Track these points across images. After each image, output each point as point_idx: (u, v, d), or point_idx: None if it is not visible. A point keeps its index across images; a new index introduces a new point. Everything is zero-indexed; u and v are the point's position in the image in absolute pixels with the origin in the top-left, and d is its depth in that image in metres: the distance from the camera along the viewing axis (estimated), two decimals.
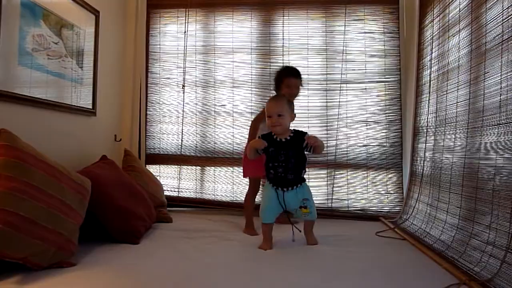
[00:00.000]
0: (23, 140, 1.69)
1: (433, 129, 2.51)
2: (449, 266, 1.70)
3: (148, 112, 3.36)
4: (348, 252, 2.00)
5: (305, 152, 2.11)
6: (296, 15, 3.23)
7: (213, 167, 3.30)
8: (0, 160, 1.55)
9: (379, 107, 3.10)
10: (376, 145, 3.09)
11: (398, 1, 3.13)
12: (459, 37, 2.18)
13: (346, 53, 3.13)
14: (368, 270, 1.69)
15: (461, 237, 1.90)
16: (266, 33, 3.26)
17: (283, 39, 3.23)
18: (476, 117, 1.93)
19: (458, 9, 2.20)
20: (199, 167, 3.33)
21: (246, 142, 2.63)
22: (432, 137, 2.51)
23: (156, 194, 2.69)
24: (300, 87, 2.58)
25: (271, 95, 3.22)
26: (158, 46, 3.38)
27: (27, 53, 2.08)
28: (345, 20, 3.16)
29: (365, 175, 3.08)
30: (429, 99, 2.62)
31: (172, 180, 3.33)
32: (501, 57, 1.70)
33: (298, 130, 2.14)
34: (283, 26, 3.24)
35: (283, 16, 3.24)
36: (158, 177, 3.08)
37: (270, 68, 3.24)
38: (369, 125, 3.09)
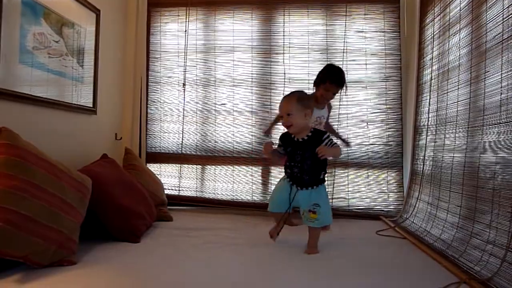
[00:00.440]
0: (24, 138, 1.69)
1: (434, 128, 2.51)
2: (449, 265, 1.70)
3: (148, 111, 3.36)
4: (349, 251, 2.00)
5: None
6: (297, 14, 3.23)
7: (213, 166, 3.30)
8: (1, 158, 1.55)
9: (380, 106, 3.10)
10: (377, 144, 3.09)
11: (399, 0, 3.12)
12: (459, 36, 2.18)
13: (346, 52, 3.12)
14: (368, 269, 1.69)
15: (461, 236, 1.90)
16: (266, 32, 3.26)
17: (283, 38, 3.23)
18: (476, 116, 1.93)
19: (458, 8, 2.19)
20: (200, 166, 3.33)
21: None
22: (433, 136, 2.51)
23: (157, 193, 2.69)
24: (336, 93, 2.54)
25: (271, 94, 3.23)
26: (159, 45, 3.38)
27: (27, 52, 2.08)
28: (345, 19, 3.16)
29: (366, 174, 3.08)
30: (429, 98, 2.62)
31: (173, 179, 3.33)
32: (501, 56, 1.69)
33: (317, 130, 2.05)
34: (283, 25, 3.23)
35: (284, 15, 3.24)
36: (158, 176, 3.08)
37: (270, 67, 3.24)
38: (370, 124, 3.09)
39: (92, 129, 2.77)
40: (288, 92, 2.12)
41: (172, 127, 3.35)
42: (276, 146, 2.14)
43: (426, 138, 2.63)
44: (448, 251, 1.88)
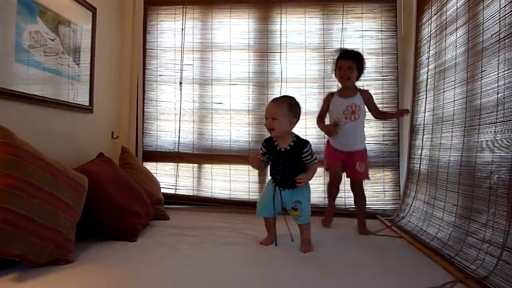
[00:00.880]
0: (20, 137, 1.68)
1: (430, 127, 2.51)
2: (446, 264, 1.71)
3: (145, 109, 3.35)
4: (345, 250, 2.01)
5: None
6: (294, 13, 3.23)
7: (210, 165, 3.29)
8: None
9: (377, 105, 3.10)
10: (373, 143, 3.09)
11: None
12: (456, 35, 2.18)
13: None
14: (365, 268, 1.70)
15: (457, 235, 1.91)
16: (263, 30, 3.26)
17: (280, 36, 3.23)
18: (473, 115, 1.94)
19: (455, 7, 2.20)
20: (196, 165, 3.33)
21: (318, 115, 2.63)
22: (429, 135, 2.52)
23: (153, 192, 2.68)
24: (356, 67, 2.44)
25: (268, 92, 3.22)
26: (156, 43, 3.37)
27: (23, 50, 2.07)
28: (342, 18, 3.16)
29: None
30: (426, 97, 2.63)
31: (169, 178, 3.32)
32: (498, 56, 1.70)
33: (300, 139, 2.02)
34: (280, 24, 3.23)
35: (281, 14, 3.23)
36: (155, 175, 3.07)
37: (267, 66, 3.24)
38: (367, 123, 3.09)
39: (89, 127, 2.75)
40: (281, 95, 2.11)
41: (168, 126, 3.34)
42: (260, 151, 2.11)
43: (423, 137, 2.63)
44: (444, 250, 1.89)
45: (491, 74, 1.76)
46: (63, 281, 1.46)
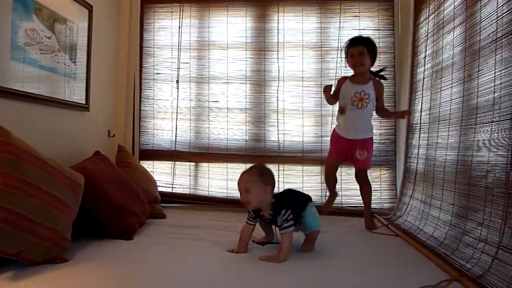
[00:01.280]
0: (16, 135, 1.67)
1: (427, 126, 2.52)
2: (442, 263, 1.71)
3: (142, 108, 3.34)
4: (342, 248, 2.01)
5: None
6: (291, 12, 3.22)
7: (207, 163, 3.29)
8: None
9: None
10: None
11: None
12: (453, 35, 2.18)
13: (341, 50, 3.11)
14: (361, 267, 1.70)
15: (453, 234, 1.92)
16: (261, 29, 3.25)
17: (277, 35, 3.22)
18: (469, 115, 1.94)
19: (452, 6, 2.20)
20: (193, 163, 3.32)
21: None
22: (426, 134, 2.53)
23: (150, 190, 2.68)
24: (368, 52, 2.40)
25: (265, 91, 3.22)
26: (152, 41, 3.36)
27: (19, 48, 2.06)
28: (340, 17, 3.16)
29: None
30: (423, 96, 2.63)
31: (166, 176, 3.32)
32: (495, 55, 1.70)
33: (276, 206, 1.87)
34: (278, 23, 3.23)
35: (278, 12, 3.23)
36: (151, 173, 3.07)
37: (264, 64, 3.23)
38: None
39: (85, 126, 2.74)
40: (250, 167, 2.01)
41: (165, 124, 3.33)
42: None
43: (420, 136, 2.64)
44: (440, 248, 1.89)
45: (487, 74, 1.77)
46: (59, 280, 1.46)
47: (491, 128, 1.71)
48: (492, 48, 1.73)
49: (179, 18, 3.31)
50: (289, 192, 2.10)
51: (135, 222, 2.17)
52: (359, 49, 2.40)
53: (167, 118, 3.33)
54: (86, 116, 2.75)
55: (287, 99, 3.20)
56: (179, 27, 3.30)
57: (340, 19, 3.16)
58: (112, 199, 2.07)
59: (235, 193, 3.18)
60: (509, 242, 1.48)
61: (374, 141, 3.08)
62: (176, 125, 3.30)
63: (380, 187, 3.10)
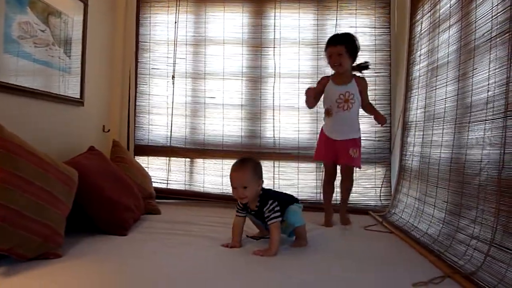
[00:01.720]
0: (9, 129, 1.65)
1: (422, 124, 2.53)
2: (435, 259, 1.72)
3: (137, 103, 3.33)
4: (336, 245, 2.02)
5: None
6: (288, 8, 3.22)
7: (202, 159, 3.29)
8: None
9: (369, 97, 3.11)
10: (365, 139, 3.10)
11: None
12: (449, 33, 2.19)
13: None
14: (356, 263, 1.71)
15: (447, 231, 1.93)
16: (257, 25, 3.25)
17: (274, 32, 3.22)
18: (464, 113, 1.95)
19: (448, 5, 2.21)
20: (188, 159, 3.32)
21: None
22: (421, 132, 2.54)
23: (145, 186, 2.67)
24: (347, 52, 2.35)
25: (261, 87, 3.22)
26: (148, 36, 3.34)
27: (13, 41, 2.04)
28: (336, 14, 3.16)
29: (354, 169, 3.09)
30: (418, 94, 2.64)
31: (161, 172, 3.31)
32: (490, 54, 1.71)
33: (263, 197, 1.91)
34: (274, 19, 3.22)
35: (275, 9, 3.22)
36: (146, 169, 3.06)
37: (261, 61, 3.23)
38: (359, 119, 3.10)
39: (79, 120, 2.73)
40: (240, 159, 1.98)
41: (161, 120, 3.33)
42: (238, 206, 2.02)
43: (414, 134, 2.65)
44: (434, 245, 1.91)
45: (482, 72, 1.77)
46: (52, 275, 1.45)
47: (485, 126, 1.72)
48: (487, 47, 1.74)
49: (176, 13, 3.29)
50: (274, 191, 2.13)
51: (129, 217, 2.17)
52: (338, 49, 2.36)
53: (163, 113, 3.32)
54: (80, 111, 2.73)
55: (283, 96, 3.20)
56: (175, 22, 3.29)
57: (336, 17, 3.16)
58: (106, 194, 2.06)
59: (230, 189, 3.18)
60: (501, 240, 1.49)
61: (369, 138, 3.12)
62: (172, 121, 3.29)
63: (375, 184, 3.11)
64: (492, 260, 1.50)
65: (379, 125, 2.56)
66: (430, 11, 2.50)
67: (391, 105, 3.12)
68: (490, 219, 1.60)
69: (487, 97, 1.71)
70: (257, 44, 3.24)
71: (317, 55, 3.17)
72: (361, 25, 3.15)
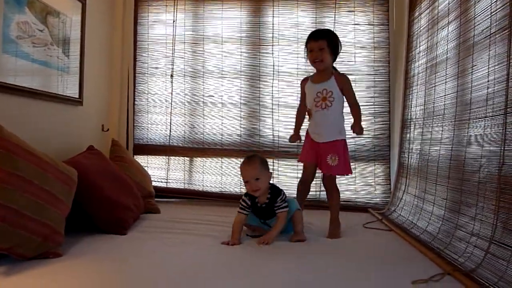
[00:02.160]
0: (8, 129, 1.65)
1: (421, 121, 2.53)
2: (435, 257, 1.72)
3: (136, 102, 3.32)
4: (335, 243, 2.03)
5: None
6: (286, 6, 3.21)
7: (201, 158, 3.28)
8: None
9: (368, 99, 3.11)
10: (364, 137, 3.10)
11: None
12: (448, 30, 2.19)
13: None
14: (355, 261, 1.71)
15: (447, 228, 1.93)
16: (255, 23, 3.24)
17: (272, 29, 3.21)
18: (463, 110, 1.95)
19: (447, 1, 2.20)
20: (188, 158, 3.32)
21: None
22: (420, 130, 2.54)
23: (144, 185, 2.67)
24: (328, 47, 2.20)
25: (260, 85, 3.21)
26: (146, 35, 3.33)
27: (11, 41, 2.03)
28: (335, 11, 3.15)
29: (353, 166, 3.09)
30: (417, 92, 2.64)
31: (160, 171, 3.31)
32: (489, 50, 1.71)
33: (274, 189, 2.04)
34: (273, 17, 3.21)
35: (273, 6, 3.21)
36: (146, 168, 3.06)
37: (259, 59, 3.22)
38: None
39: (78, 120, 2.72)
40: (248, 156, 2.08)
41: (160, 119, 3.32)
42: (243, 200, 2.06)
43: (414, 131, 2.65)
44: (434, 243, 1.91)
45: (481, 69, 1.77)
46: (52, 274, 1.45)
47: (484, 123, 1.72)
48: (486, 43, 1.73)
49: (174, 11, 3.28)
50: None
51: (129, 216, 2.17)
52: (319, 44, 2.20)
53: (162, 112, 3.32)
54: (79, 110, 2.73)
55: (282, 94, 3.20)
56: (174, 20, 3.28)
57: (335, 14, 3.15)
58: (106, 193, 2.06)
59: (229, 188, 3.20)
60: (501, 237, 1.49)
61: (368, 135, 3.10)
62: (171, 120, 3.29)
63: (374, 182, 3.11)
64: (492, 257, 1.50)
65: (357, 132, 2.28)
66: (429, 7, 2.50)
67: (390, 102, 3.11)
68: (490, 216, 1.60)
69: (487, 94, 1.71)
70: (256, 42, 3.23)
71: None
72: (359, 22, 3.15)
